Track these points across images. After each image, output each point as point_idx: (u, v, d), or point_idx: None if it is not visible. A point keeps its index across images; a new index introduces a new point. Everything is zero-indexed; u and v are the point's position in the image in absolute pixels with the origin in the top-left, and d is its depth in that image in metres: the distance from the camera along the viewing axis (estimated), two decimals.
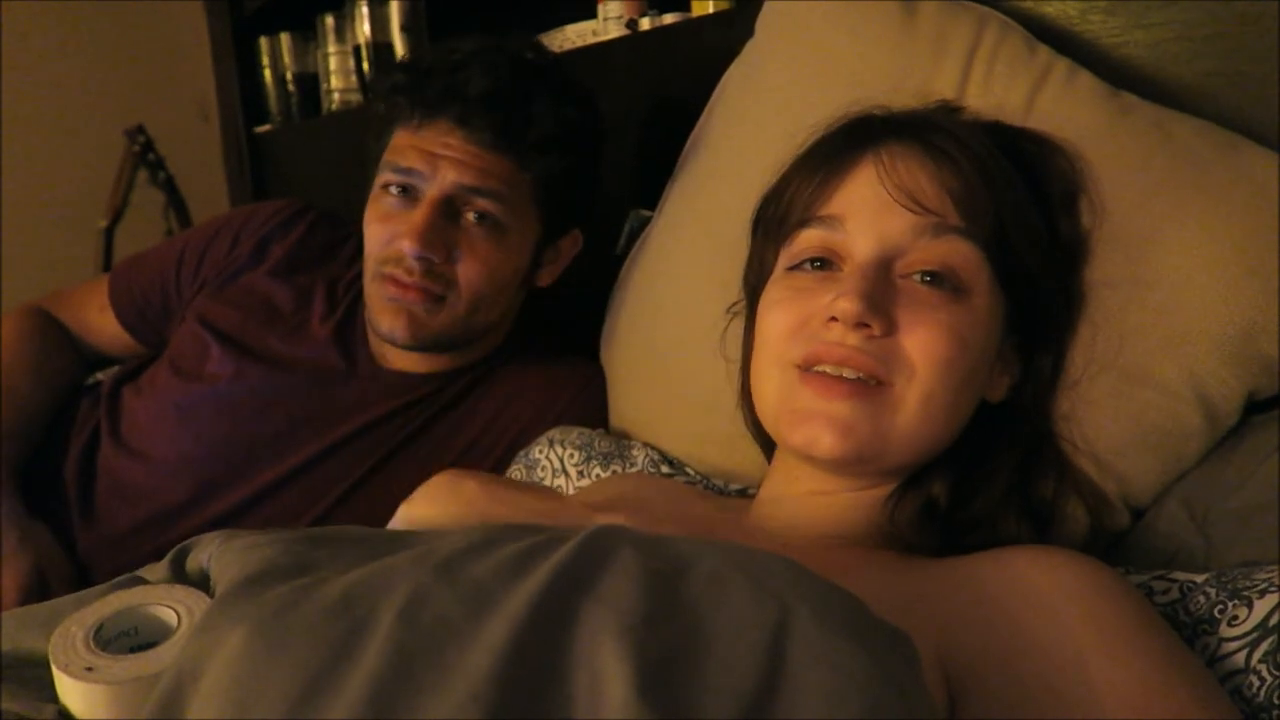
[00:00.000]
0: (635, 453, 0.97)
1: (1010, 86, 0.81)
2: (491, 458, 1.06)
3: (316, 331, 1.11)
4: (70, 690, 0.45)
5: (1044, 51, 0.83)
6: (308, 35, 1.90)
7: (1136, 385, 0.73)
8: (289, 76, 1.94)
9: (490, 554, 0.46)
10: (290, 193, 1.86)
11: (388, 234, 1.00)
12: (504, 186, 0.99)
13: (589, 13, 1.35)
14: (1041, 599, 0.55)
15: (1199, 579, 0.60)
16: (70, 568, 1.04)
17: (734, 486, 0.91)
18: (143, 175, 2.02)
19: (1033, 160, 0.75)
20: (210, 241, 1.21)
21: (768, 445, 0.80)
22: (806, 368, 0.66)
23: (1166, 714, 0.49)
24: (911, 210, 0.66)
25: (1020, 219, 0.69)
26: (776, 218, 0.74)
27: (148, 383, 1.13)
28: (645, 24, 1.28)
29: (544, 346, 1.15)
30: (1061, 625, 0.53)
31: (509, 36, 1.04)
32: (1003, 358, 0.71)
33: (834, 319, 0.65)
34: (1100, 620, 0.53)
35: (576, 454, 0.96)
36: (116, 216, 2.00)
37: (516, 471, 0.99)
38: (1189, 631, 0.58)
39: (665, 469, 0.95)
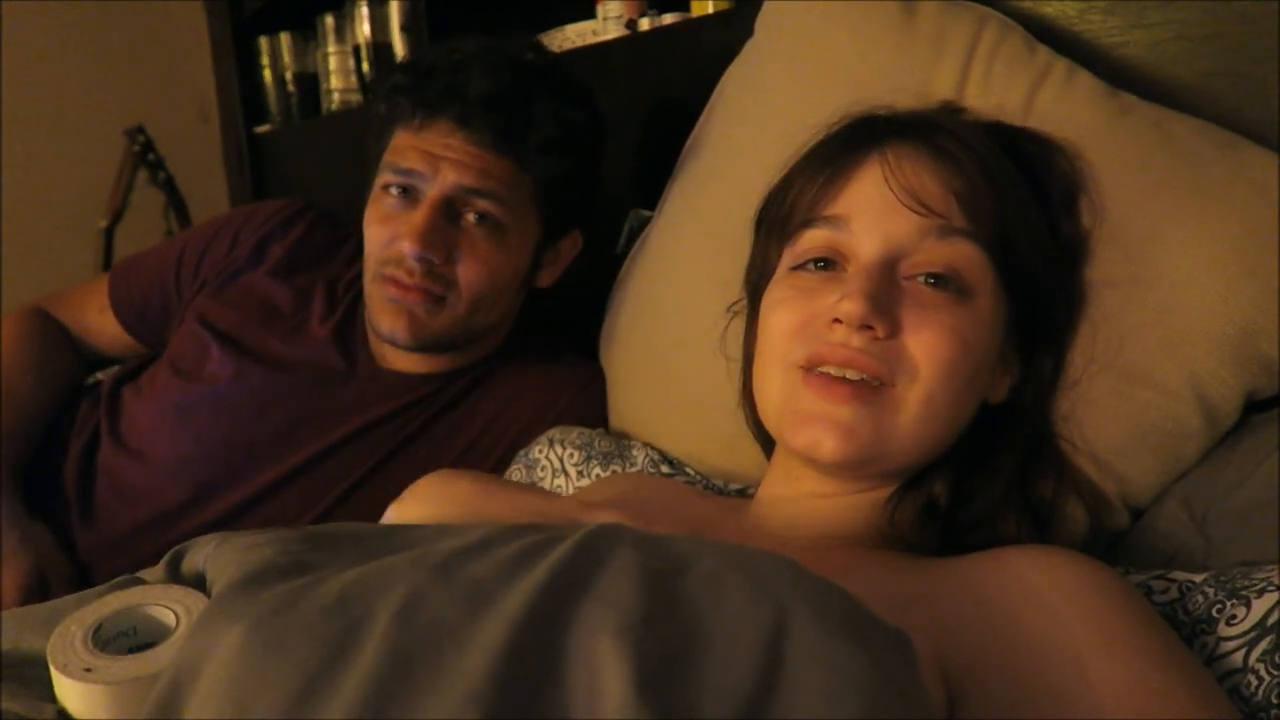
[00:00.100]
0: (635, 453, 0.97)
1: (1009, 86, 0.81)
2: (491, 458, 1.06)
3: (316, 332, 1.11)
4: (69, 691, 0.45)
5: (1043, 51, 0.83)
6: (307, 35, 1.90)
7: (1136, 385, 0.73)
8: (289, 77, 1.94)
9: (488, 554, 0.46)
10: (290, 193, 1.85)
11: (388, 235, 1.00)
12: (504, 188, 0.99)
13: (588, 13, 1.35)
14: (1041, 599, 0.55)
15: (1198, 578, 0.60)
16: (70, 568, 1.04)
17: (734, 486, 0.91)
18: (143, 175, 2.01)
19: (1033, 160, 0.75)
20: (210, 242, 1.21)
21: (768, 444, 0.80)
22: (810, 368, 0.66)
23: (1165, 713, 0.49)
24: (917, 212, 0.66)
25: (1023, 220, 0.69)
26: (780, 217, 0.74)
27: (147, 383, 1.13)
28: (645, 24, 1.28)
29: (544, 347, 1.15)
30: (1061, 625, 0.53)
31: (509, 37, 1.04)
32: (1004, 359, 0.71)
33: (838, 320, 0.65)
34: (1099, 620, 0.53)
35: (576, 454, 0.96)
36: (116, 217, 2.00)
37: (516, 471, 0.99)
38: (1188, 631, 0.58)
39: (665, 469, 0.95)
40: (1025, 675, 0.52)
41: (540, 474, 0.97)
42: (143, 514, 1.05)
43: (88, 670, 0.44)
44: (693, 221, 0.99)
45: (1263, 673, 0.53)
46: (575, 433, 0.99)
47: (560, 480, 0.95)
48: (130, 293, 1.22)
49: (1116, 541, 0.76)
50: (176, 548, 0.54)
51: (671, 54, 1.24)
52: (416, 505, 0.72)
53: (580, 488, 0.93)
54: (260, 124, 2.00)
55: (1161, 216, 0.74)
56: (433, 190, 0.99)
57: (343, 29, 1.78)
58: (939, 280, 0.66)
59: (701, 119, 1.03)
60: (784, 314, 0.69)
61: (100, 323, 1.23)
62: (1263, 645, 0.53)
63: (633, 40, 1.28)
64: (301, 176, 1.94)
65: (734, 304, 0.84)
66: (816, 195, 0.70)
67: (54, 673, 0.45)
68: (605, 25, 1.32)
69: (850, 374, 0.64)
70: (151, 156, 2.00)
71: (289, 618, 0.41)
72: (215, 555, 0.50)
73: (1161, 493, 0.75)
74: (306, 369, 1.09)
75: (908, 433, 0.65)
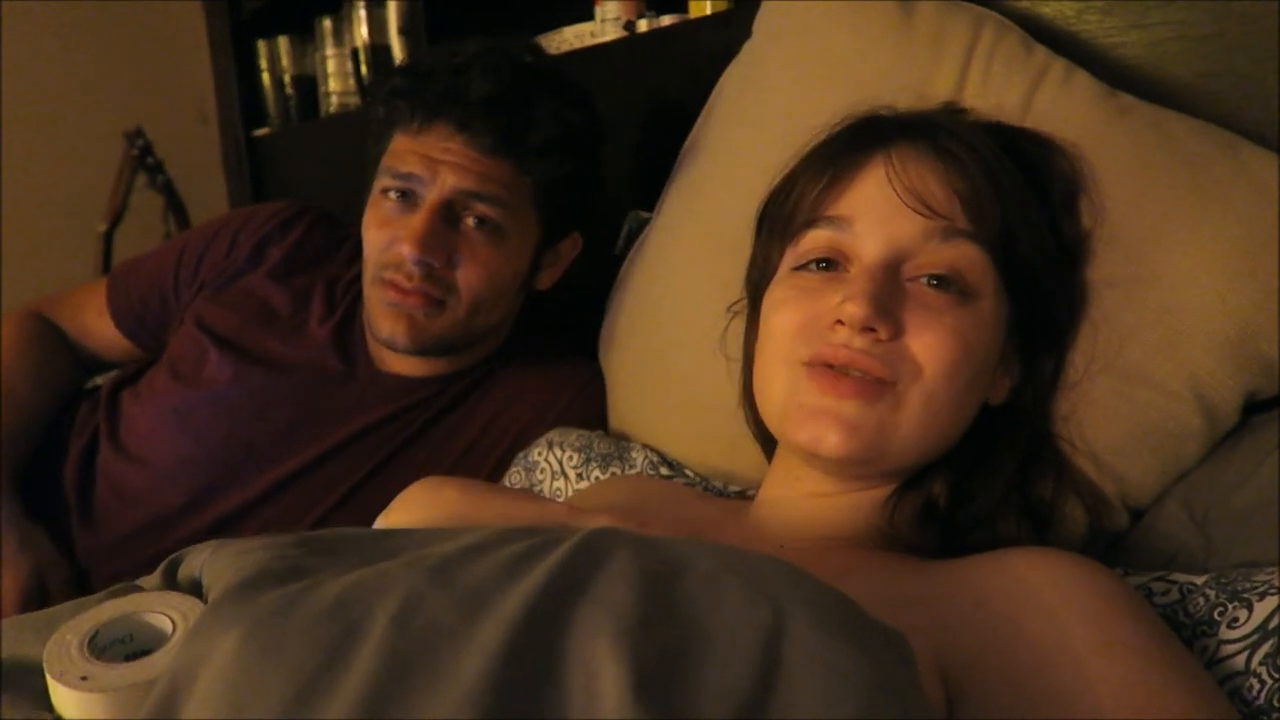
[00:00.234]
0: (634, 454, 0.96)
1: (1007, 86, 0.81)
2: (491, 460, 1.06)
3: (315, 333, 1.11)
4: (65, 699, 0.44)
5: (1041, 51, 0.83)
6: (306, 38, 1.90)
7: (1136, 385, 0.73)
8: (287, 79, 1.94)
9: (485, 557, 0.46)
10: (289, 196, 1.85)
11: (387, 239, 1.00)
12: (504, 191, 0.99)
13: (587, 14, 1.35)
14: (1040, 600, 0.55)
15: (1199, 580, 0.60)
16: (70, 571, 1.04)
17: (733, 488, 0.91)
18: (142, 178, 2.02)
19: (1034, 161, 0.75)
20: (208, 244, 1.21)
21: (768, 445, 0.80)
22: (813, 366, 0.66)
23: (1165, 714, 0.49)
24: (920, 214, 0.66)
25: (1025, 221, 0.69)
26: (782, 216, 0.74)
27: (146, 387, 1.13)
28: (643, 25, 1.28)
29: (543, 348, 1.15)
30: (1060, 626, 0.53)
31: (507, 39, 1.04)
32: (1005, 360, 0.71)
33: (840, 322, 0.65)
34: (1099, 621, 0.53)
35: (575, 456, 0.96)
36: (116, 219, 2.00)
37: (515, 474, 0.99)
38: (1188, 633, 0.58)
39: (664, 470, 0.95)
40: (1025, 676, 0.52)
41: (539, 476, 0.97)
42: (142, 516, 1.05)
43: (84, 678, 0.44)
44: (691, 222, 0.99)
45: (1265, 676, 0.53)
46: (574, 435, 0.99)
47: (559, 482, 0.95)
48: (129, 296, 1.22)
49: (1116, 542, 0.76)
50: (172, 555, 0.54)
51: (670, 55, 1.24)
52: (404, 514, 0.71)
53: (579, 490, 0.93)
54: (259, 127, 2.01)
55: (1161, 216, 0.74)
56: (432, 194, 0.98)
57: (341, 32, 1.78)
58: (942, 282, 0.66)
59: (700, 120, 1.03)
60: (786, 314, 0.69)
61: (98, 325, 1.23)
62: (1265, 649, 0.53)
63: (631, 41, 1.28)
64: (300, 179, 1.94)
65: (734, 304, 0.84)
66: (819, 195, 0.70)
67: (50, 681, 0.45)
68: (603, 27, 1.32)
69: (854, 372, 0.64)
70: (150, 159, 2.01)
71: (286, 622, 0.41)
72: (211, 561, 0.50)
73: (1162, 493, 0.74)
74: (305, 370, 1.09)
75: (910, 432, 0.65)
